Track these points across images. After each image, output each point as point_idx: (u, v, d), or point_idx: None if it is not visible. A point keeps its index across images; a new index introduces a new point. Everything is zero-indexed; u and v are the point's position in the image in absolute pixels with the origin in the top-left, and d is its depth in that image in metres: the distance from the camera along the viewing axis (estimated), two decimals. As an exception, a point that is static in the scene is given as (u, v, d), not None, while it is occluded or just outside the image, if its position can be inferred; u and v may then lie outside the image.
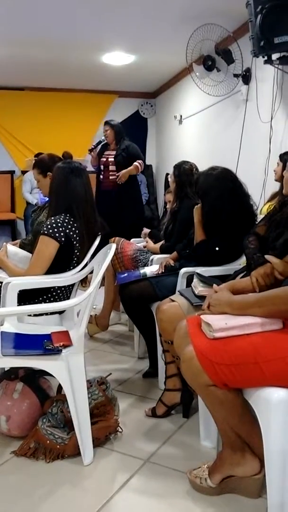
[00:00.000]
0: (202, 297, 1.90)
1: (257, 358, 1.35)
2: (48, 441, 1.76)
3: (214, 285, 1.66)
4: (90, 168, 4.54)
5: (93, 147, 4.51)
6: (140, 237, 3.55)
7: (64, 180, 2.15)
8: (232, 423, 1.49)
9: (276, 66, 3.22)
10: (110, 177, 4.38)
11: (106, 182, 4.41)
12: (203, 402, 1.58)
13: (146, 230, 3.47)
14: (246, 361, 1.36)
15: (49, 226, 2.05)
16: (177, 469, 1.71)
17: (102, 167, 4.44)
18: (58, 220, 2.07)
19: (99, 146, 4.51)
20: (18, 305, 1.99)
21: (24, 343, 1.84)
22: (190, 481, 1.60)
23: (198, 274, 2.04)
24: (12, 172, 6.41)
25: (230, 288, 1.62)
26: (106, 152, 4.45)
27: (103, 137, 4.48)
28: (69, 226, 2.07)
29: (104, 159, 4.43)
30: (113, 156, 4.37)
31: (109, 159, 4.39)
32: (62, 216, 2.09)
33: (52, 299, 2.12)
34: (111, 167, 4.38)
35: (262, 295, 1.47)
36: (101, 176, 4.43)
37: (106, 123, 4.47)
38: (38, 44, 4.53)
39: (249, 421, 1.47)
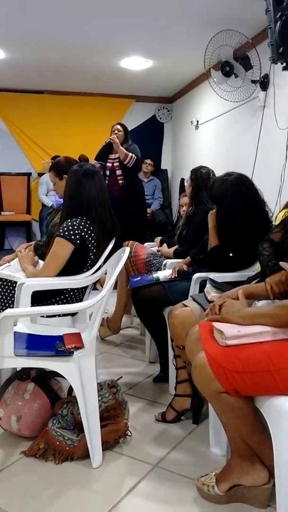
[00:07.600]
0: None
1: (269, 366, 1.34)
2: (57, 443, 1.77)
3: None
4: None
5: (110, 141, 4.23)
6: (150, 241, 3.52)
7: (78, 183, 2.16)
8: (242, 432, 1.48)
9: (295, 72, 3.20)
10: (119, 182, 4.27)
11: (113, 188, 4.19)
12: (214, 409, 1.57)
13: (157, 239, 3.39)
14: (258, 369, 1.35)
15: (65, 228, 2.06)
16: (185, 475, 1.70)
17: (108, 172, 4.28)
18: (75, 223, 2.08)
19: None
20: (31, 306, 2.01)
21: (37, 344, 1.86)
22: (198, 488, 1.59)
23: (211, 279, 2.03)
24: (28, 174, 6.48)
25: (244, 292, 1.61)
26: (111, 156, 4.29)
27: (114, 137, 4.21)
28: (85, 229, 2.09)
29: (110, 164, 4.28)
30: (117, 160, 4.25)
31: (115, 164, 4.26)
32: (79, 219, 2.11)
33: (65, 300, 2.13)
34: (118, 172, 4.26)
35: (275, 306, 1.47)
36: (107, 182, 4.18)
37: (120, 124, 4.36)
38: (58, 48, 4.59)
39: (260, 430, 1.46)
